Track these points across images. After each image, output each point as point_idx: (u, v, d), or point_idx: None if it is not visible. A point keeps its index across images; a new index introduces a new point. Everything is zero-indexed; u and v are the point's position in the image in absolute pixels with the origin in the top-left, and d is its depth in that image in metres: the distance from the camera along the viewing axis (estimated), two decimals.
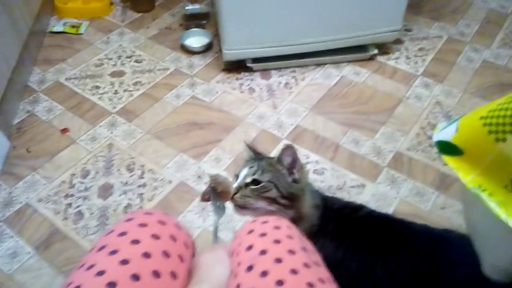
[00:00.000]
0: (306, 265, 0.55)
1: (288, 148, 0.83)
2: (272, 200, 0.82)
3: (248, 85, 1.70)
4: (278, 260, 0.55)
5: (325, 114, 1.57)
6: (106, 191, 1.35)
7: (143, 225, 0.59)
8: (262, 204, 0.82)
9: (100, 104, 1.64)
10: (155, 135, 1.51)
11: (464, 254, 0.75)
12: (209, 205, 0.87)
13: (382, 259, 0.77)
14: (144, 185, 1.36)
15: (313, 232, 0.82)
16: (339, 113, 1.57)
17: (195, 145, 1.47)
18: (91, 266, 0.52)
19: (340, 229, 0.81)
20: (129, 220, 0.60)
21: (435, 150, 1.44)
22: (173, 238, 0.60)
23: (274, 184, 0.82)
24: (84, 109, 1.62)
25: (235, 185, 0.84)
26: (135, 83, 1.71)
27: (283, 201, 0.82)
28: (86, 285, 0.49)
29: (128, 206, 1.30)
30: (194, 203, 1.30)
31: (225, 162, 1.41)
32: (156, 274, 0.53)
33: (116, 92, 1.68)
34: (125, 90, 1.68)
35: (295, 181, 0.85)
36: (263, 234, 0.61)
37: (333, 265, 0.77)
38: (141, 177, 1.38)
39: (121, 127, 1.55)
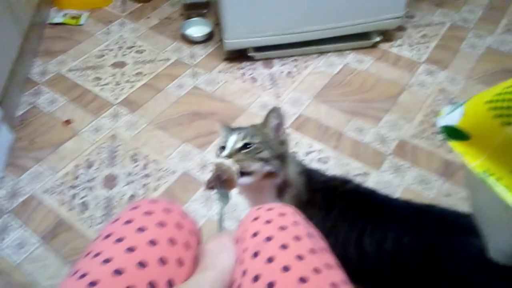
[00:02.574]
0: (312, 251, 0.55)
1: (274, 110, 0.86)
2: (266, 161, 0.82)
3: (250, 74, 1.69)
4: (284, 246, 0.55)
5: (328, 103, 1.56)
6: (110, 181, 1.35)
7: (148, 213, 0.59)
8: (257, 165, 0.81)
9: (102, 95, 1.63)
10: (158, 126, 1.51)
11: (445, 226, 0.77)
12: (213, 193, 0.87)
13: (371, 229, 0.78)
14: (148, 175, 1.36)
15: (302, 201, 0.83)
16: (343, 101, 1.57)
17: (198, 135, 1.47)
18: (98, 254, 0.52)
19: (328, 200, 0.83)
20: (134, 208, 0.60)
21: (439, 137, 1.43)
22: (179, 226, 0.60)
23: (265, 145, 0.83)
24: (86, 101, 1.62)
25: (225, 152, 0.82)
26: (137, 74, 1.71)
27: (275, 161, 0.83)
28: (92, 272, 0.49)
29: (133, 196, 1.31)
30: (198, 192, 1.31)
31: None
32: (162, 261, 0.53)
33: (118, 83, 1.67)
34: (126, 81, 1.68)
35: (281, 142, 0.87)
36: (268, 221, 0.61)
37: (325, 233, 0.78)
38: (145, 167, 1.38)
39: (123, 118, 1.54)
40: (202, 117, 1.53)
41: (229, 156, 0.82)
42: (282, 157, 0.85)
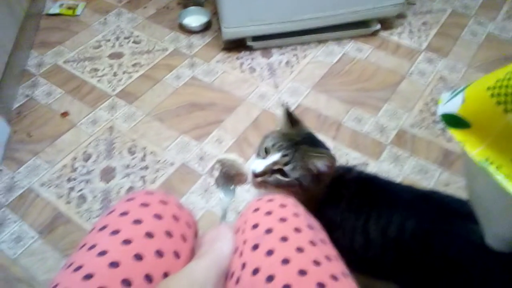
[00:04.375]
0: (312, 243, 0.54)
1: (328, 158, 0.78)
2: (288, 188, 0.81)
3: (249, 64, 1.67)
4: (284, 239, 0.54)
5: (327, 92, 1.55)
6: (108, 174, 1.34)
7: (144, 205, 0.59)
8: (276, 188, 0.81)
9: (100, 87, 1.62)
10: (156, 117, 1.50)
11: (447, 212, 0.76)
12: (218, 190, 0.86)
13: (376, 215, 0.78)
14: (146, 167, 1.35)
15: (318, 203, 0.82)
16: (342, 90, 1.55)
17: (196, 126, 1.46)
18: (93, 247, 0.51)
19: (336, 192, 0.82)
20: (130, 200, 0.60)
21: (438, 126, 1.42)
22: (176, 218, 0.59)
23: (300, 182, 0.80)
24: (83, 92, 1.60)
25: (261, 167, 0.80)
26: (134, 65, 1.69)
27: (299, 192, 0.82)
28: (88, 265, 0.49)
29: (131, 189, 1.30)
30: (197, 184, 1.30)
31: (227, 143, 1.40)
32: (159, 253, 0.53)
33: (115, 74, 1.66)
34: (124, 72, 1.66)
35: (318, 183, 0.82)
36: (268, 213, 0.60)
37: (333, 228, 0.78)
38: (142, 159, 1.37)
39: (121, 109, 1.53)
40: (200, 108, 1.52)
41: (263, 173, 0.81)
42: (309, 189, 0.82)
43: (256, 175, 0.81)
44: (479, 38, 1.73)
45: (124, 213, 0.56)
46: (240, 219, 0.64)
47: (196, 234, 0.65)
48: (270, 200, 0.63)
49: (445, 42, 1.72)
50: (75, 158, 1.39)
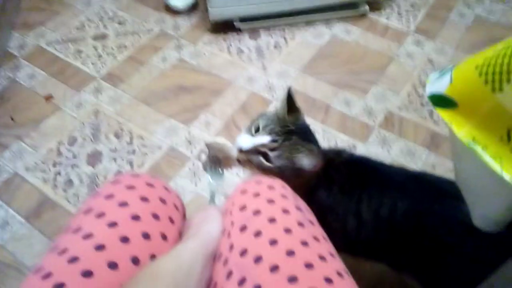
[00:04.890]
0: (300, 224, 0.54)
1: (315, 158, 0.75)
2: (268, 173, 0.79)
3: (236, 46, 1.65)
4: (272, 220, 0.54)
5: (315, 75, 1.54)
6: (94, 158, 1.33)
7: (130, 187, 0.58)
8: (257, 169, 0.79)
9: (84, 69, 1.58)
10: (143, 100, 1.47)
11: (438, 193, 0.77)
12: (206, 174, 0.85)
13: (367, 197, 0.78)
14: (133, 151, 1.34)
15: (309, 187, 0.81)
16: (330, 73, 1.54)
17: (184, 109, 1.44)
18: (78, 230, 0.51)
19: (328, 175, 0.81)
20: (116, 183, 0.59)
21: (426, 109, 1.43)
22: (162, 200, 0.59)
23: (281, 171, 0.77)
24: (67, 75, 1.57)
25: (247, 145, 0.77)
26: (119, 46, 1.65)
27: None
28: (73, 248, 0.48)
29: (118, 173, 1.29)
30: (185, 168, 1.29)
31: (215, 126, 1.39)
32: (146, 235, 0.52)
33: (99, 56, 1.62)
34: (108, 54, 1.63)
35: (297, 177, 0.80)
36: (256, 194, 0.60)
37: (325, 212, 0.77)
38: (130, 143, 1.36)
39: (106, 92, 1.50)
40: (187, 91, 1.50)
41: (246, 151, 0.77)
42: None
43: (241, 151, 0.79)
44: (467, 20, 1.73)
45: (109, 196, 0.56)
46: (228, 201, 0.64)
47: (184, 217, 0.65)
48: (258, 182, 0.63)
49: (433, 24, 1.72)
50: (60, 142, 1.37)
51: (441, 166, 1.28)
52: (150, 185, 0.60)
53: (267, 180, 0.65)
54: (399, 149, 1.33)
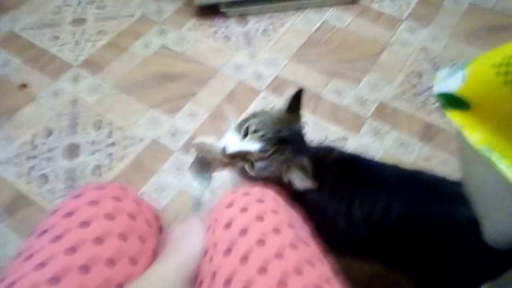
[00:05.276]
0: (292, 246, 0.48)
1: (310, 181, 0.69)
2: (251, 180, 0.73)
3: (223, 32, 1.57)
4: (261, 242, 0.48)
5: (306, 63, 1.47)
6: (72, 151, 1.25)
7: (94, 202, 0.51)
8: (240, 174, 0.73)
9: (61, 56, 1.49)
10: (123, 90, 1.39)
11: (434, 193, 0.73)
12: (192, 177, 0.78)
13: (359, 199, 0.73)
14: (113, 144, 1.26)
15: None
16: (321, 61, 1.48)
17: (167, 99, 1.37)
18: (30, 256, 0.44)
19: (318, 176, 0.74)
20: (77, 196, 0.52)
21: (419, 99, 1.38)
22: (132, 217, 0.52)
23: (265, 180, 0.70)
24: (43, 62, 1.47)
25: (233, 149, 0.70)
26: (98, 32, 1.56)
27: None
28: (23, 281, 0.41)
29: (97, 167, 1.22)
30: (168, 162, 1.23)
31: (200, 118, 1.32)
32: (111, 262, 0.45)
33: (77, 43, 1.53)
34: (87, 40, 1.53)
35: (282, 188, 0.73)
36: (243, 209, 0.53)
37: (314, 214, 0.70)
38: (109, 135, 1.28)
39: (85, 81, 1.42)
40: (171, 80, 1.42)
41: (233, 155, 0.70)
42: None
43: (225, 155, 0.72)
44: (461, 7, 1.67)
45: (69, 214, 0.48)
46: (211, 216, 0.57)
47: (160, 230, 0.59)
48: (246, 194, 0.56)
49: (427, 10, 1.66)
50: (35, 134, 1.29)
51: (435, 159, 1.24)
52: (117, 199, 0.53)
53: (256, 191, 0.58)
54: (392, 141, 1.28)
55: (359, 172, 0.77)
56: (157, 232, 0.56)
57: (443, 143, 1.27)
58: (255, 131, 0.71)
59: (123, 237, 0.48)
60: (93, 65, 1.46)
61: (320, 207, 0.74)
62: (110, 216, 0.49)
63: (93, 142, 1.27)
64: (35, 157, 1.24)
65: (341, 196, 0.74)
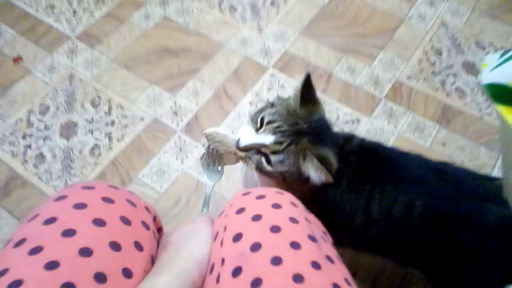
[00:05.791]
0: (315, 265, 0.41)
1: (326, 174, 0.62)
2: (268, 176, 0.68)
3: (229, 2, 1.47)
4: (276, 261, 0.41)
5: (317, 38, 1.38)
6: (69, 130, 1.19)
7: (80, 205, 0.44)
8: (260, 176, 0.68)
9: (57, 27, 1.41)
10: (123, 64, 1.31)
11: (462, 190, 0.66)
12: (202, 170, 0.72)
13: (379, 195, 0.67)
14: (112, 122, 1.20)
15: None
16: (333, 36, 1.38)
17: (169, 75, 1.29)
18: (3, 272, 0.38)
19: (337, 169, 0.69)
20: (60, 198, 0.45)
21: (438, 79, 1.29)
22: (125, 220, 0.46)
23: (283, 176, 0.66)
24: (38, 34, 1.39)
25: (247, 142, 0.65)
26: (97, 1, 1.47)
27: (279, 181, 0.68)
28: None
29: (96, 147, 1.16)
30: (170, 142, 1.16)
31: (204, 95, 1.25)
32: (100, 278, 0.39)
33: (75, 13, 1.44)
34: (85, 10, 1.44)
35: (301, 185, 0.68)
36: (256, 217, 0.46)
37: (333, 209, 0.67)
38: (108, 113, 1.22)
39: (82, 54, 1.34)
40: (173, 55, 1.33)
41: (247, 148, 0.66)
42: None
43: (239, 148, 0.67)
44: None
45: (50, 220, 0.42)
46: (218, 222, 0.50)
47: (160, 230, 0.53)
48: (260, 197, 0.49)
49: None
50: (30, 111, 1.22)
51: (452, 143, 1.17)
52: (108, 200, 0.47)
53: (272, 194, 0.51)
54: (407, 124, 1.20)
55: (380, 163, 0.70)
56: (155, 234, 0.50)
57: (461, 127, 1.19)
58: (269, 122, 0.66)
59: (115, 246, 0.42)
60: (91, 37, 1.38)
61: (337, 204, 0.68)
62: (100, 222, 0.43)
63: (91, 120, 1.20)
64: (31, 135, 1.18)
65: (360, 190, 0.68)
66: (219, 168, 0.72)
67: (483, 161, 1.14)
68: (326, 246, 0.45)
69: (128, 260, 0.42)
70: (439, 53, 1.35)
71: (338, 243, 0.56)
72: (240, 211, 0.47)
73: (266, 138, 0.64)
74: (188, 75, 1.29)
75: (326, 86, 1.26)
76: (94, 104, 1.23)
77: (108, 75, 1.29)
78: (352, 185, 0.68)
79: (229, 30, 1.40)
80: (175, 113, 1.21)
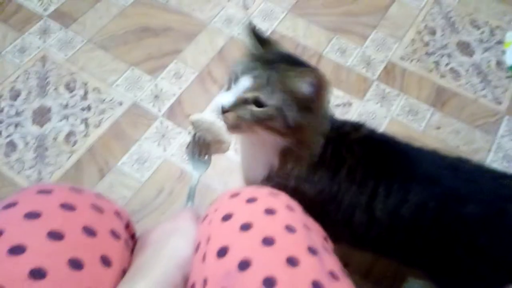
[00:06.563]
0: (316, 286, 0.35)
1: (310, 74, 0.57)
2: (272, 129, 0.60)
3: None
4: (269, 282, 0.34)
5: (307, 16, 1.31)
6: (42, 115, 1.11)
7: (33, 215, 0.37)
8: (260, 131, 0.60)
9: (28, 5, 1.31)
10: (99, 44, 1.23)
11: (482, 190, 0.61)
12: (186, 159, 0.66)
13: (385, 192, 0.62)
14: (88, 107, 1.12)
15: (311, 164, 0.64)
16: (324, 14, 1.31)
17: (149, 56, 1.21)
18: None
19: (337, 154, 0.64)
20: (9, 206, 0.39)
21: (432, 59, 1.24)
22: (89, 231, 0.39)
23: (282, 112, 0.58)
24: (8, 12, 1.29)
25: (230, 99, 0.59)
26: None
27: (285, 130, 0.60)
28: None
29: (71, 134, 1.08)
30: (152, 128, 1.09)
31: (187, 78, 1.18)
32: None
33: None
34: None
35: (310, 110, 0.61)
36: (246, 226, 0.39)
37: (328, 198, 0.63)
38: (84, 97, 1.14)
39: (56, 34, 1.25)
40: (153, 34, 1.25)
41: (230, 108, 0.59)
42: (302, 126, 0.61)
43: (225, 111, 0.60)
44: None
45: None
46: (200, 229, 0.44)
47: (133, 237, 0.47)
48: (251, 201, 0.42)
49: None
50: (0, 96, 1.14)
51: (447, 127, 1.12)
52: (67, 206, 0.40)
53: (265, 196, 0.44)
54: (401, 107, 1.15)
55: (389, 158, 0.64)
56: (127, 243, 0.44)
57: (456, 109, 1.15)
58: (242, 71, 0.60)
59: (76, 263, 0.36)
60: (64, 16, 1.29)
61: (333, 194, 0.63)
62: (56, 235, 0.37)
63: (66, 105, 1.12)
64: (1, 121, 1.10)
65: (362, 184, 0.62)
66: (206, 157, 0.65)
67: (479, 145, 1.10)
68: (329, 258, 0.40)
69: (92, 280, 0.36)
70: (432, 32, 1.29)
71: (335, 239, 0.51)
72: (227, 217, 0.40)
73: (245, 81, 0.59)
74: (170, 56, 1.21)
75: (316, 67, 1.20)
76: (68, 88, 1.15)
77: (84, 56, 1.21)
78: (353, 177, 0.62)
79: (213, 8, 1.32)
80: (156, 97, 1.14)
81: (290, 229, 0.39)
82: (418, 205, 0.59)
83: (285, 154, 0.64)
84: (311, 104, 0.59)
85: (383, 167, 0.63)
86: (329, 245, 0.45)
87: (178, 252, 0.42)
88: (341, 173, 0.62)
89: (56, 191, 0.41)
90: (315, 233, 0.42)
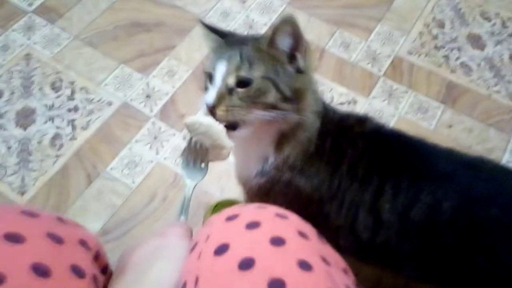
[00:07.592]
0: None
1: (286, 23, 0.56)
2: (271, 106, 0.56)
3: None
4: None
5: (308, 9, 1.24)
6: (26, 117, 1.05)
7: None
8: (257, 113, 0.56)
9: (12, 0, 1.25)
10: (87, 41, 1.17)
11: (502, 190, 0.56)
12: (180, 166, 0.60)
13: (393, 190, 0.56)
14: (75, 108, 1.06)
15: (308, 154, 0.60)
16: (326, 7, 1.25)
17: (140, 53, 1.16)
18: None
19: (338, 148, 0.60)
20: None
21: (441, 53, 1.17)
22: (41, 270, 0.30)
23: (272, 81, 0.55)
24: None
25: (213, 93, 0.56)
26: None
27: (285, 105, 0.56)
28: None
29: (57, 136, 1.02)
30: (143, 130, 1.03)
31: (181, 76, 1.11)
32: None
33: None
34: None
35: (299, 70, 0.58)
36: (246, 264, 0.31)
37: (327, 196, 0.59)
38: (71, 98, 1.08)
39: (41, 30, 1.19)
40: (144, 29, 1.19)
41: (218, 100, 0.56)
42: (300, 92, 0.58)
43: (212, 108, 0.56)
44: None
45: None
46: (187, 265, 0.36)
47: (105, 270, 0.39)
48: (252, 226, 0.34)
49: None
50: None
51: (459, 125, 1.06)
52: (14, 237, 0.32)
53: (270, 219, 0.36)
54: (409, 104, 1.09)
55: (397, 154, 0.59)
56: (96, 280, 0.36)
57: (468, 106, 1.09)
58: (214, 61, 0.59)
59: None
60: (50, 11, 1.23)
61: (333, 191, 0.58)
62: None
63: (52, 106, 1.06)
64: None
65: (365, 181, 0.57)
66: (203, 165, 0.58)
67: (493, 144, 1.03)
68: None
69: None
70: (441, 25, 1.22)
71: (339, 248, 0.45)
72: (221, 250, 0.32)
73: (220, 68, 0.57)
74: (162, 52, 1.15)
75: (318, 64, 1.14)
76: (54, 88, 1.09)
77: (71, 54, 1.15)
78: (355, 173, 0.57)
79: (208, 0, 1.26)
80: (148, 97, 1.08)
81: (305, 266, 0.31)
82: (431, 206, 0.54)
83: (281, 141, 0.60)
84: (296, 57, 0.58)
85: (390, 163, 0.58)
86: (350, 279, 0.37)
87: (163, 279, 0.36)
88: (341, 168, 0.58)
89: (2, 216, 0.33)
90: (334, 269, 0.34)
